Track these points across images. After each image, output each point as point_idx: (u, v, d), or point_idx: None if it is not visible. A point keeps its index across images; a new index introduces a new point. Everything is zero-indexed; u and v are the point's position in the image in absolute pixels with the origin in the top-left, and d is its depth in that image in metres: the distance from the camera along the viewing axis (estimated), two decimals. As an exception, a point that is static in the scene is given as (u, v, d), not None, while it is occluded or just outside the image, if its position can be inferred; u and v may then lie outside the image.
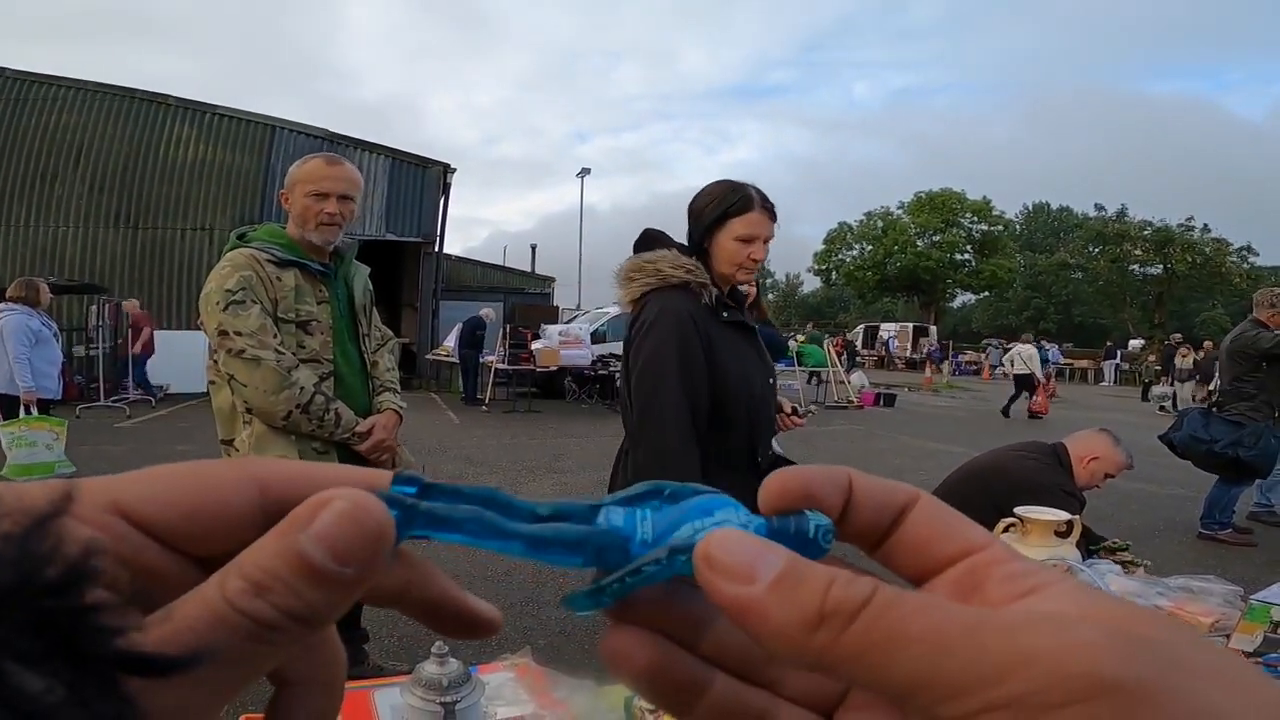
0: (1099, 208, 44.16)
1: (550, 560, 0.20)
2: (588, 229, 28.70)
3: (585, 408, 12.87)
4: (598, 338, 14.02)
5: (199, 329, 2.17)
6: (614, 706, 1.18)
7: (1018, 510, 1.91)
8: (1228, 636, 1.48)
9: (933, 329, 34.41)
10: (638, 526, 0.21)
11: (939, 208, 41.83)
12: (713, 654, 0.21)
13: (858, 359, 23.09)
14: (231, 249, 2.08)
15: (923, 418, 13.51)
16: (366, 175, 11.72)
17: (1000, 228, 43.45)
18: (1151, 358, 22.63)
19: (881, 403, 15.02)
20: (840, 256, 44.49)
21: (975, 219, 42.46)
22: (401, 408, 2.30)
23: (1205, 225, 38.37)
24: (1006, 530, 1.92)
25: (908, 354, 32.06)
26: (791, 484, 0.21)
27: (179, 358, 12.21)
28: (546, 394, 13.27)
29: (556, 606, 3.55)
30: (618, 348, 14.10)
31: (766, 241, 1.80)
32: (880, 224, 43.24)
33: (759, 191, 1.80)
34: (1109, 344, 30.49)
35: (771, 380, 1.93)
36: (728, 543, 0.18)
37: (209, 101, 15.22)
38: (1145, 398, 19.34)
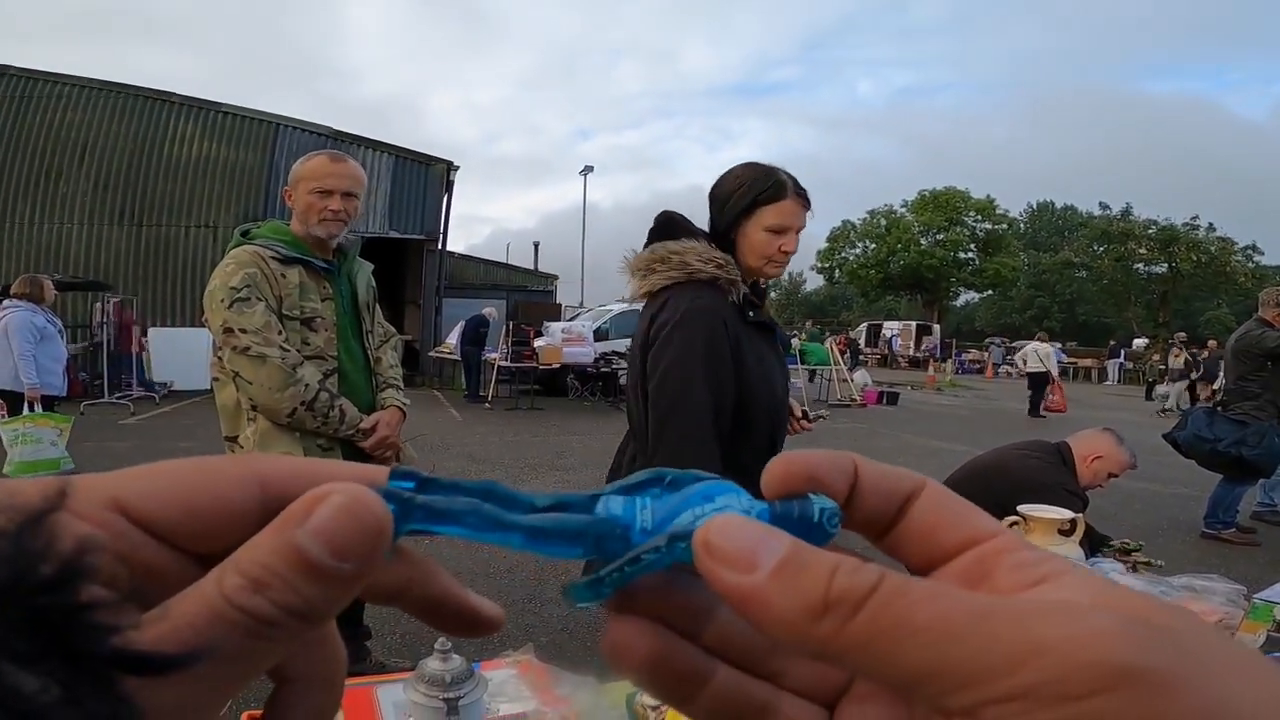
0: (1104, 206, 44.04)
1: (550, 552, 0.20)
2: (590, 226, 28.72)
3: (588, 405, 12.88)
4: (600, 335, 14.02)
5: (203, 326, 2.17)
6: (616, 703, 1.18)
7: (1021, 508, 1.91)
8: (1231, 635, 1.48)
9: (936, 327, 34.37)
10: (638, 515, 0.20)
11: (943, 206, 41.72)
12: (714, 645, 0.21)
13: (860, 357, 23.08)
14: (236, 246, 2.09)
15: (926, 416, 13.49)
16: (370, 172, 11.74)
17: (1004, 226, 43.33)
18: (1155, 357, 22.57)
19: (884, 401, 15.01)
20: (843, 254, 44.40)
21: (979, 217, 42.35)
22: (405, 404, 2.31)
23: (1210, 224, 38.25)
24: (1009, 529, 1.91)
25: (911, 352, 32.02)
26: (795, 467, 0.20)
27: (182, 355, 12.24)
28: (549, 391, 13.28)
29: (559, 603, 3.56)
30: (620, 345, 14.12)
31: (798, 232, 1.65)
32: (884, 222, 43.13)
33: (791, 177, 1.64)
34: (1113, 343, 30.42)
35: (788, 382, 1.84)
36: (728, 529, 0.18)
37: (213, 99, 15.25)
38: (1149, 397, 19.29)
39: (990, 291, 46.82)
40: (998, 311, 53.52)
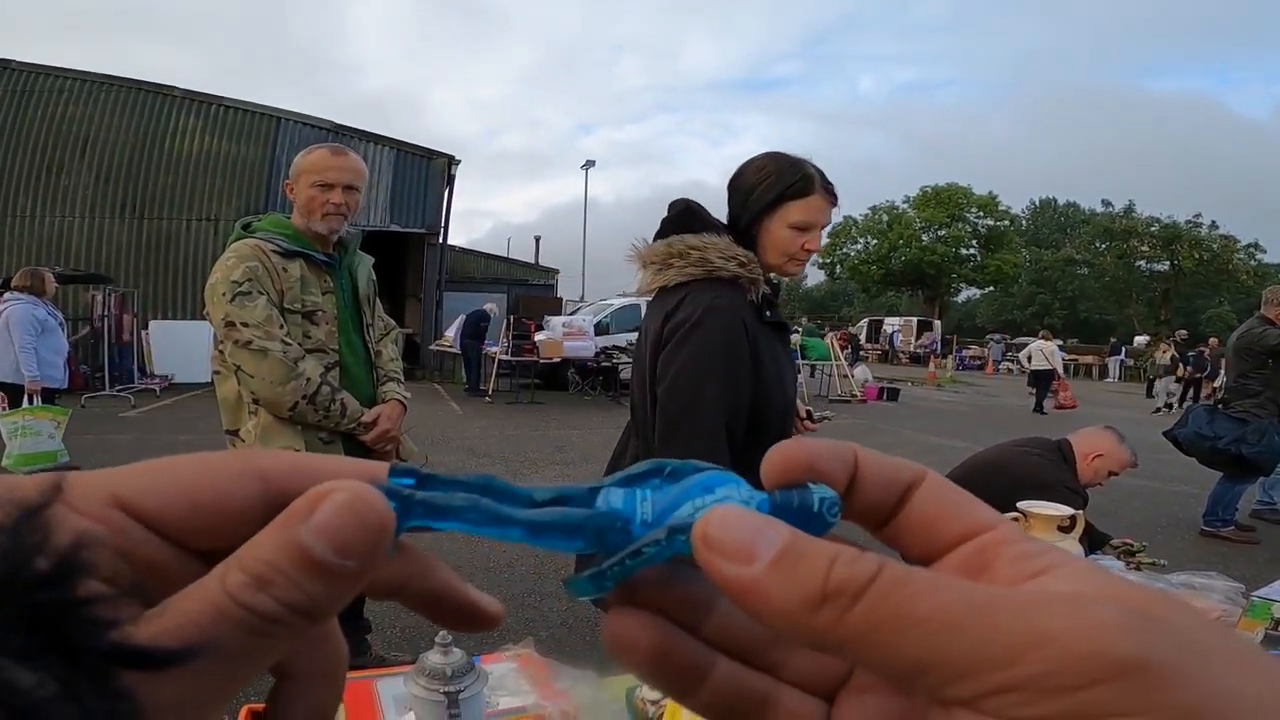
0: (1106, 203, 43.98)
1: (551, 545, 0.20)
2: (591, 221, 28.68)
3: (588, 399, 12.88)
4: (601, 329, 14.02)
5: (204, 319, 2.17)
6: (616, 697, 1.18)
7: (1020, 505, 1.90)
8: (1231, 629, 1.49)
9: (936, 324, 34.35)
10: (638, 507, 0.20)
11: (944, 202, 41.65)
12: (715, 637, 0.20)
13: (861, 353, 23.08)
14: (237, 240, 2.08)
15: (926, 412, 13.49)
16: (371, 166, 11.71)
17: (1006, 223, 43.26)
18: (1156, 354, 22.57)
19: (885, 397, 15.00)
20: (845, 250, 44.31)
21: (981, 214, 42.28)
22: (406, 398, 2.31)
23: (1213, 222, 38.20)
24: (1010, 520, 1.91)
25: (912, 348, 32.01)
26: (795, 456, 0.20)
27: (183, 348, 12.25)
28: (549, 385, 13.29)
29: (559, 597, 3.57)
30: (621, 339, 14.11)
31: (822, 229, 1.56)
32: (885, 218, 43.05)
33: (819, 170, 1.55)
34: (1114, 340, 30.40)
35: (796, 382, 1.79)
36: (726, 521, 0.18)
37: (214, 93, 15.22)
38: (1150, 394, 19.29)
39: (992, 288, 46.78)
40: (999, 308, 53.47)
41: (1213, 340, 18.00)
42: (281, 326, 2.00)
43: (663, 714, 1.11)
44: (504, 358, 12.33)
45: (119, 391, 10.58)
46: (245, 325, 1.94)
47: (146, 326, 12.75)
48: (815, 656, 0.20)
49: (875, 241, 42.81)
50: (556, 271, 21.26)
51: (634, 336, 14.06)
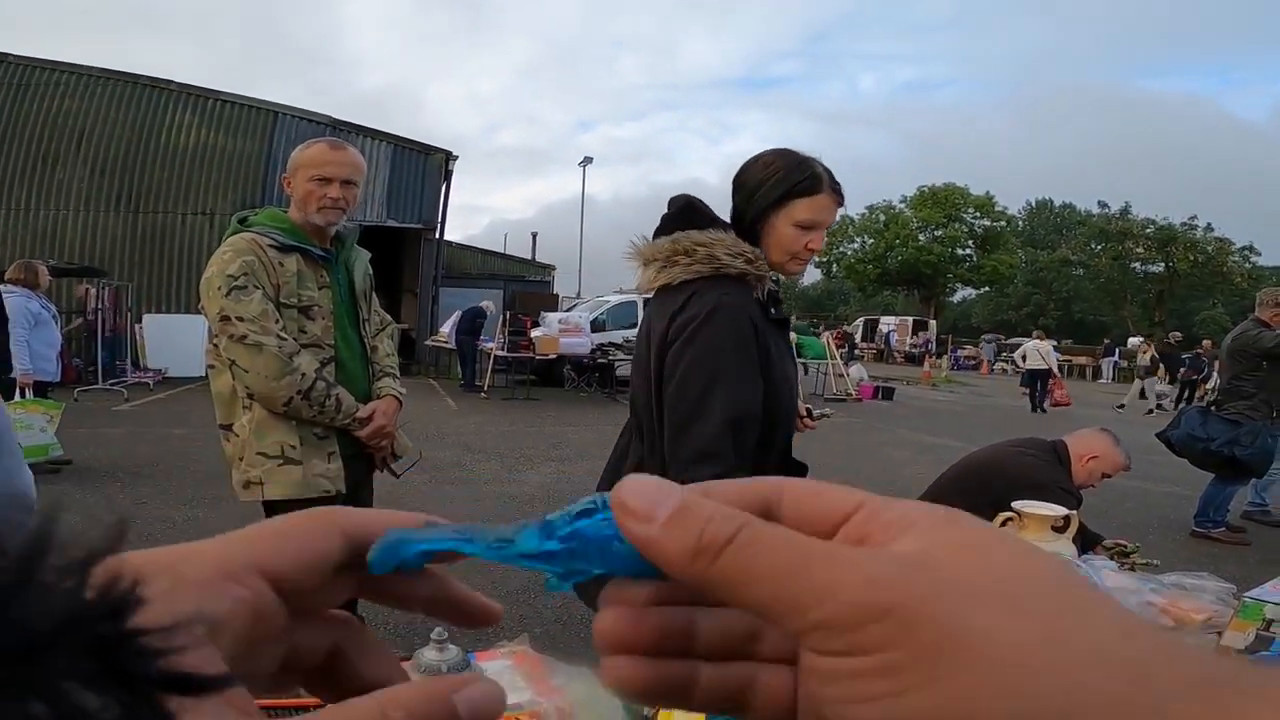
0: (1102, 205, 44.09)
1: (534, 566, 0.24)
2: (588, 218, 28.65)
3: (584, 396, 12.89)
4: (597, 326, 14.03)
5: (199, 313, 2.16)
6: (611, 693, 1.18)
7: (1015, 505, 1.91)
8: (1220, 634, 1.49)
9: (932, 323, 34.41)
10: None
11: (941, 202, 41.70)
12: (702, 650, 0.23)
13: (856, 351, 23.11)
14: (233, 234, 2.07)
15: (921, 411, 13.53)
16: (368, 161, 11.62)
17: (1002, 223, 43.34)
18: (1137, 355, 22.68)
19: (880, 396, 15.04)
20: (841, 249, 44.35)
21: (978, 214, 42.35)
22: (401, 393, 2.30)
23: (1208, 224, 38.34)
24: (1004, 525, 1.92)
25: (907, 347, 32.08)
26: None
27: (177, 342, 12.21)
28: (545, 381, 13.28)
29: (553, 595, 3.57)
30: (617, 336, 14.09)
31: (826, 229, 1.55)
32: (882, 217, 43.09)
33: (827, 169, 1.53)
34: (1107, 341, 30.48)
35: (797, 379, 1.77)
36: (635, 487, 0.21)
37: (211, 87, 15.15)
38: (1143, 395, 19.36)
39: (987, 288, 46.85)
40: (994, 308, 53.60)
41: (1206, 342, 18.08)
42: (277, 321, 1.99)
43: (658, 711, 1.11)
44: (500, 354, 12.32)
45: (112, 385, 10.55)
46: (240, 320, 1.93)
47: (140, 320, 12.70)
48: (780, 633, 0.23)
49: (872, 241, 42.85)
50: (553, 268, 21.22)
51: (630, 333, 13.98)
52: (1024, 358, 15.29)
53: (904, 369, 26.24)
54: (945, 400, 16.45)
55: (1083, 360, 30.45)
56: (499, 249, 22.74)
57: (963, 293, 51.15)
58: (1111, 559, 2.29)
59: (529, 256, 22.32)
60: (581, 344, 12.79)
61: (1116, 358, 28.09)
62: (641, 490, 0.21)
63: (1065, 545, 1.91)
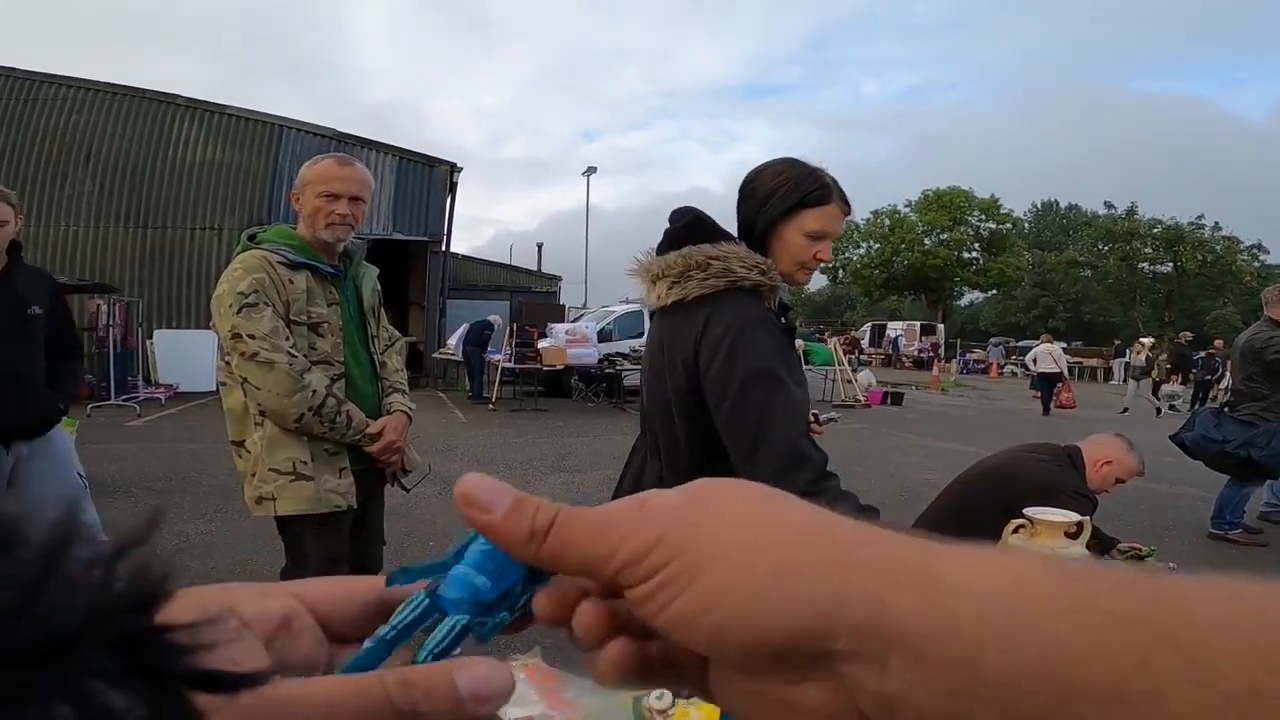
0: (1108, 205, 43.84)
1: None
2: (592, 228, 28.70)
3: (591, 406, 12.88)
4: (604, 336, 14.03)
5: (209, 328, 2.18)
6: (623, 705, 1.18)
7: (1027, 511, 1.90)
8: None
9: (940, 327, 34.28)
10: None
11: (947, 206, 41.58)
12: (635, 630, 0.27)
13: (863, 357, 23.04)
14: (243, 250, 2.09)
15: (930, 416, 13.46)
16: (374, 174, 11.68)
17: (1009, 226, 43.16)
18: (1162, 356, 22.46)
19: (889, 401, 14.99)
20: (847, 255, 44.27)
21: (983, 217, 42.19)
22: (410, 409, 2.31)
23: (1216, 223, 38.03)
24: (1016, 531, 1.91)
25: (915, 352, 31.97)
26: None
27: (187, 357, 12.28)
28: (552, 393, 13.29)
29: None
30: (624, 346, 14.03)
31: (834, 239, 1.55)
32: (887, 222, 42.98)
33: (834, 180, 1.54)
34: (1118, 343, 30.31)
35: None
36: (475, 485, 0.26)
37: (217, 101, 15.29)
38: (1155, 395, 19.21)
39: (995, 291, 46.66)
40: (1002, 311, 53.40)
41: (1218, 342, 17.94)
42: (288, 338, 2.00)
43: (666, 716, 1.11)
44: (507, 365, 12.34)
45: (124, 401, 10.61)
46: (252, 337, 1.94)
47: (151, 336, 12.78)
48: None
49: (877, 246, 42.74)
50: (559, 278, 21.28)
51: (636, 343, 13.88)
52: (1035, 361, 15.25)
53: (912, 374, 26.14)
54: (954, 405, 16.37)
55: (1093, 362, 30.28)
56: (504, 260, 22.84)
57: (970, 296, 51.01)
58: (1126, 562, 2.27)
59: (534, 268, 22.40)
60: (589, 354, 12.79)
61: (1127, 359, 27.93)
62: (480, 486, 0.26)
63: (1079, 551, 1.90)
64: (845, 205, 1.55)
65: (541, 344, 12.60)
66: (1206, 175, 73.18)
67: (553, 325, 13.95)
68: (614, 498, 1.82)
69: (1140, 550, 2.46)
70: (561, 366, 12.58)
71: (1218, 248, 37.16)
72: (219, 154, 14.92)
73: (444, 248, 16.19)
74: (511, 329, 12.82)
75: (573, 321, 15.56)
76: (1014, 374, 27.47)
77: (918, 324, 35.15)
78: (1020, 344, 33.16)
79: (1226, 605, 0.20)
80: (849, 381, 15.17)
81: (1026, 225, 52.31)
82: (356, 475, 2.12)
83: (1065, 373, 14.79)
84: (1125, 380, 26.40)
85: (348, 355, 2.16)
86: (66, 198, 14.14)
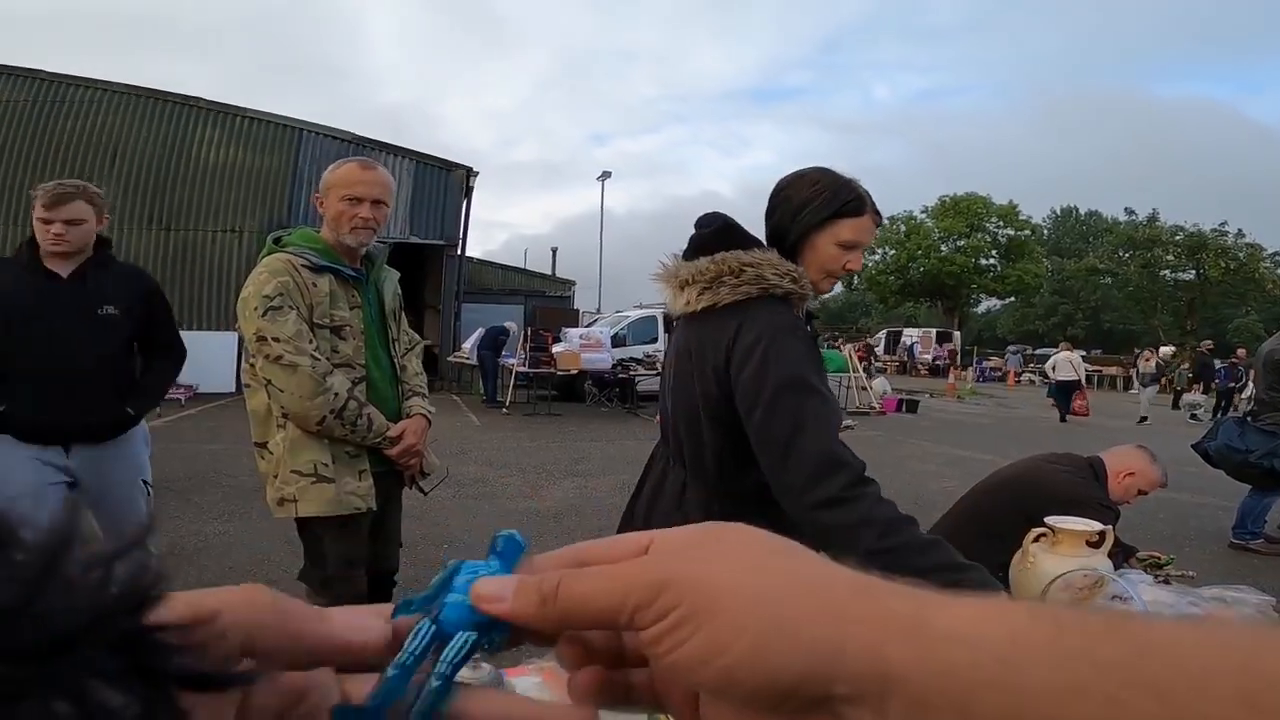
0: (1129, 212, 43.44)
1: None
2: (605, 232, 28.76)
3: (605, 411, 12.90)
4: (618, 341, 14.05)
5: (229, 329, 2.21)
6: (641, 710, 1.18)
7: (1048, 520, 1.89)
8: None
9: (956, 334, 34.02)
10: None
11: (963, 212, 41.26)
12: (634, 659, 0.30)
13: (877, 364, 22.90)
14: (268, 254, 2.12)
15: (946, 424, 13.37)
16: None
17: (1027, 232, 42.77)
18: (1184, 365, 22.14)
19: (904, 409, 14.89)
20: (862, 261, 43.92)
21: (1001, 223, 41.84)
22: (430, 412, 2.33)
23: (1239, 230, 37.51)
24: (1037, 540, 1.89)
25: (931, 359, 31.75)
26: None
27: (207, 358, 12.39)
28: (566, 397, 13.31)
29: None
30: (638, 351, 14.03)
31: (864, 249, 1.57)
32: (903, 228, 42.70)
33: (867, 191, 1.56)
34: (1138, 351, 29.97)
35: None
36: (485, 585, 0.28)
37: (237, 104, 15.47)
38: (1176, 405, 18.96)
39: (1013, 298, 46.24)
40: (1020, 318, 52.93)
41: (1241, 350, 17.70)
42: (311, 341, 2.03)
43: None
44: (521, 369, 12.38)
45: (144, 401, 10.72)
46: (276, 340, 1.97)
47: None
48: None
49: (893, 252, 42.46)
50: (573, 283, 21.34)
51: (650, 348, 13.85)
52: (1054, 368, 15.14)
53: (928, 381, 25.96)
54: (970, 412, 16.24)
55: (1112, 370, 29.94)
56: (517, 264, 22.93)
57: (987, 303, 50.55)
58: (1146, 570, 2.25)
59: (549, 272, 22.46)
60: (603, 359, 12.81)
61: (1137, 366, 27.59)
62: (490, 585, 0.28)
63: (1101, 560, 1.88)
64: (878, 216, 1.56)
65: (555, 348, 12.64)
66: (1229, 181, 72.26)
67: (567, 330, 13.99)
68: (631, 505, 1.82)
69: (1159, 558, 2.43)
70: (575, 371, 12.61)
71: (1240, 255, 36.64)
72: (240, 156, 15.09)
73: (460, 251, 16.28)
74: (526, 333, 12.87)
75: (587, 326, 15.60)
76: (1031, 381, 27.22)
77: (934, 331, 34.92)
78: (1038, 351, 32.87)
79: (1215, 653, 0.21)
80: (864, 389, 15.09)
81: (1045, 232, 51.80)
82: (376, 478, 2.14)
83: (1083, 380, 14.67)
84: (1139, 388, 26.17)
85: (369, 358, 2.18)
86: (91, 200, 14.33)
